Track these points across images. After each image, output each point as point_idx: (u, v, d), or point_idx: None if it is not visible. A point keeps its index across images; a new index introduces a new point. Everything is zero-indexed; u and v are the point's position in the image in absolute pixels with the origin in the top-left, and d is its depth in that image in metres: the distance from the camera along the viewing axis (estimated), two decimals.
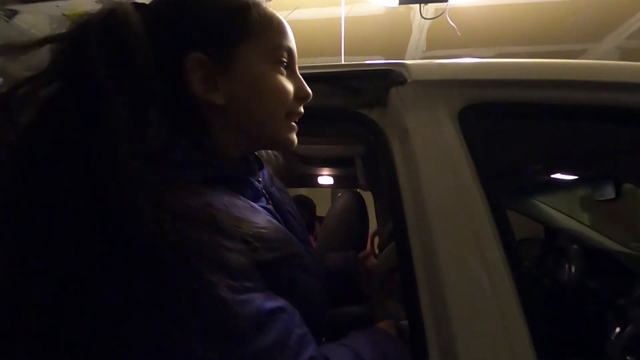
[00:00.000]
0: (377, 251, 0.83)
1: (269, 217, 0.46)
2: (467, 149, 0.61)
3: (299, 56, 0.54)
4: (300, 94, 0.50)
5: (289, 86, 0.49)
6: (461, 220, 0.55)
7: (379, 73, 0.68)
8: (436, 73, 0.66)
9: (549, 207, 2.04)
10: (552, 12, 2.26)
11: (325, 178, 2.03)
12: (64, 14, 1.45)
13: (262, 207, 0.48)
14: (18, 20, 1.76)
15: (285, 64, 0.49)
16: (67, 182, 0.32)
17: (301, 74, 0.70)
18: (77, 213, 0.31)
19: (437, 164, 0.60)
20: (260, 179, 0.53)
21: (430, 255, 0.54)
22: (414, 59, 2.71)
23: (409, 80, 0.65)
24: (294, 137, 0.51)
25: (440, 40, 2.50)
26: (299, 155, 1.57)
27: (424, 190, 0.58)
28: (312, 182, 1.98)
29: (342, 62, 0.74)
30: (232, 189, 0.44)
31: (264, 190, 0.52)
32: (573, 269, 1.61)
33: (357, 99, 0.70)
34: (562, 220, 2.01)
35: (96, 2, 1.64)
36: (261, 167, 0.56)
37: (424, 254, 0.55)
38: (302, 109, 0.52)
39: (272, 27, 0.47)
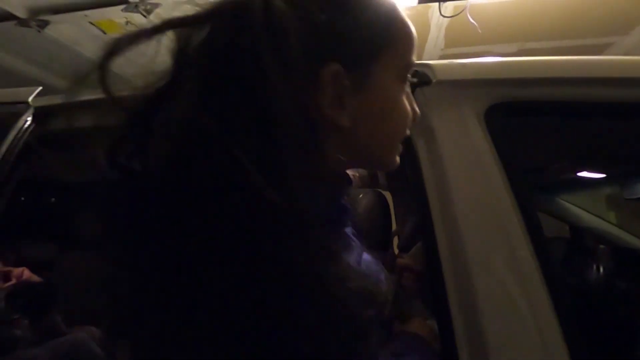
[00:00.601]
0: (396, 251, 0.83)
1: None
2: (494, 148, 0.61)
3: None
4: (414, 115, 0.43)
5: (409, 108, 0.42)
6: (490, 221, 0.55)
7: None
8: (461, 73, 0.66)
9: (574, 206, 1.99)
10: (576, 4, 2.19)
11: None
12: (90, 22, 1.51)
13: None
14: (49, 30, 1.84)
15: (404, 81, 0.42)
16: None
17: None
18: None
19: (465, 163, 0.60)
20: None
21: (458, 257, 0.55)
22: (432, 57, 2.69)
23: (433, 80, 0.66)
24: (398, 158, 0.45)
25: (459, 37, 2.47)
26: None
27: (452, 190, 0.58)
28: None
29: None
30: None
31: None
32: (601, 269, 1.57)
33: None
34: (589, 219, 1.95)
35: (122, 10, 1.70)
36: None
37: (451, 256, 0.55)
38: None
39: (408, 41, 0.40)
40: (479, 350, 0.49)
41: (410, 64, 0.41)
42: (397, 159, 0.44)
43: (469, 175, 0.59)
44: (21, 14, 1.75)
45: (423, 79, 0.67)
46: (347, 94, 0.36)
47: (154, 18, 1.88)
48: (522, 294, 0.50)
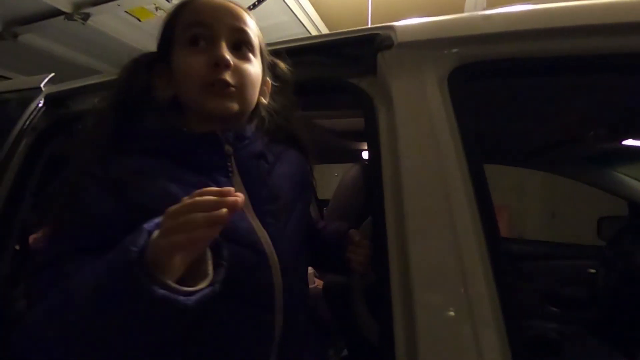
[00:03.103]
0: None
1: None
2: (454, 116, 0.55)
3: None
4: (211, 61, 0.52)
5: (198, 59, 0.52)
6: (435, 193, 0.51)
7: (367, 38, 0.65)
8: (423, 32, 0.61)
9: (635, 180, 1.74)
10: None
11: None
12: (125, 12, 1.61)
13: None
14: (92, 21, 2.00)
15: (197, 40, 0.53)
16: None
17: (291, 47, 0.71)
18: None
19: (417, 132, 0.56)
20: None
21: (400, 227, 0.52)
22: None
23: (395, 43, 0.61)
24: (219, 104, 0.52)
25: None
26: (334, 131, 1.57)
27: (402, 160, 0.55)
28: (354, 157, 1.96)
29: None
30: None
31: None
32: None
33: (348, 67, 0.68)
34: None
35: None
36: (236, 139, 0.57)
37: (395, 226, 0.53)
38: (223, 76, 0.52)
39: (182, 14, 0.55)
40: (412, 322, 0.48)
41: (187, 26, 0.54)
42: (214, 102, 0.52)
43: (419, 144, 0.55)
44: (67, 8, 1.93)
45: (384, 43, 0.62)
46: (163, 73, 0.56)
47: (177, 2, 1.94)
48: (456, 265, 0.47)
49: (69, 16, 1.95)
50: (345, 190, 0.86)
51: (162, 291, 0.34)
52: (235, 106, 0.53)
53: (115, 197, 0.47)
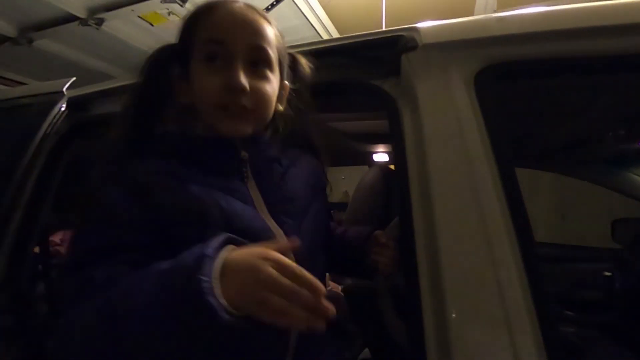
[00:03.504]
0: None
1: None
2: (482, 117, 0.55)
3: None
4: (225, 85, 0.51)
5: (214, 80, 0.51)
6: (466, 197, 0.51)
7: (390, 40, 0.65)
8: (449, 34, 0.60)
9: None
10: None
11: (381, 155, 1.98)
12: (139, 17, 1.63)
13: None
14: (105, 27, 2.03)
15: (214, 57, 0.52)
16: None
17: (313, 49, 0.71)
18: None
19: (445, 135, 0.56)
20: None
21: (430, 229, 0.52)
22: None
23: (419, 45, 0.61)
24: (232, 127, 0.53)
25: None
26: (346, 133, 1.56)
27: (430, 162, 0.55)
28: (366, 159, 1.96)
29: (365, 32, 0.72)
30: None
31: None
32: None
33: (371, 70, 0.68)
34: None
35: (161, 2, 1.80)
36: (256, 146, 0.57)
37: (424, 228, 0.53)
38: (241, 100, 0.51)
39: (201, 24, 0.54)
40: (443, 325, 0.47)
41: (204, 41, 0.53)
42: (227, 126, 0.53)
43: (448, 145, 0.55)
44: (82, 14, 1.96)
45: (408, 44, 0.62)
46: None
47: (190, 5, 1.96)
48: (489, 267, 0.46)
49: (83, 21, 1.99)
50: (363, 193, 0.86)
51: (228, 318, 0.34)
52: (248, 129, 0.54)
53: (138, 199, 0.48)
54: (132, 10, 1.89)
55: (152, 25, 2.12)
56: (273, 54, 0.56)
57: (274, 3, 1.65)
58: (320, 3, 2.14)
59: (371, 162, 2.00)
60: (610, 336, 1.40)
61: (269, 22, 0.57)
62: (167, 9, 1.91)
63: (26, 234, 0.89)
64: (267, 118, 0.58)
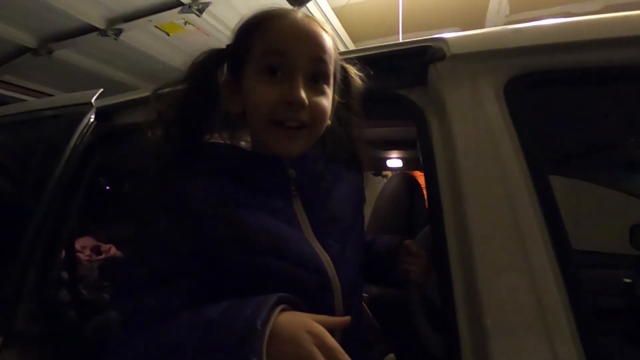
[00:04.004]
0: None
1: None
2: (513, 126, 0.55)
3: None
4: (285, 99, 0.50)
5: (272, 92, 0.50)
6: (501, 206, 0.51)
7: (417, 50, 0.66)
8: (478, 44, 0.61)
9: None
10: None
11: (394, 161, 1.98)
12: (155, 27, 1.66)
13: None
14: (124, 37, 2.07)
15: (274, 69, 0.50)
16: None
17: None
18: None
19: (476, 143, 0.56)
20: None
21: (463, 238, 0.52)
22: (495, 25, 2.44)
23: (448, 55, 0.62)
24: (283, 145, 0.52)
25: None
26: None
27: (462, 172, 0.55)
28: (380, 165, 1.96)
29: (394, 42, 0.73)
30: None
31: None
32: None
33: (397, 79, 0.69)
34: None
35: (179, 12, 1.84)
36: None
37: (457, 237, 0.53)
38: (299, 116, 0.50)
39: (264, 42, 0.51)
40: (481, 335, 0.47)
41: (264, 52, 0.51)
42: (279, 143, 0.52)
43: (480, 156, 0.55)
44: (101, 25, 2.01)
45: (436, 55, 0.63)
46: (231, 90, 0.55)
47: (207, 16, 1.98)
48: (529, 278, 0.46)
49: (102, 32, 2.03)
50: (386, 202, 0.86)
51: None
52: (299, 149, 0.53)
53: (190, 226, 0.48)
54: (150, 21, 1.93)
55: (168, 34, 2.16)
56: (332, 67, 0.54)
57: None
58: (333, 10, 2.16)
59: (384, 168, 2.01)
60: (634, 345, 1.37)
61: (327, 33, 0.55)
62: (184, 19, 1.94)
63: (55, 242, 0.91)
64: (319, 135, 0.56)
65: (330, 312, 0.50)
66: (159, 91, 0.58)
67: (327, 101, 0.54)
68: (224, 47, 0.57)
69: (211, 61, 0.56)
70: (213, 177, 0.52)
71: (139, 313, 0.44)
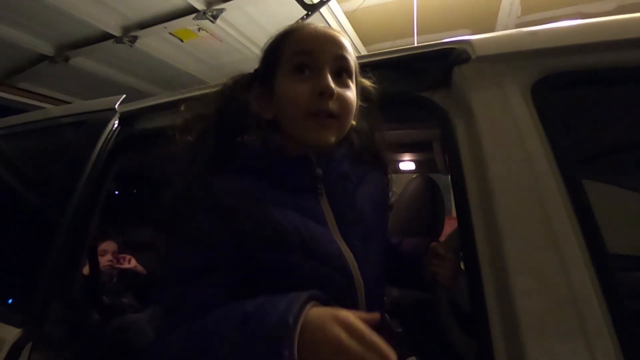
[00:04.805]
0: None
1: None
2: (542, 127, 0.55)
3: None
4: (316, 90, 0.53)
5: (303, 88, 0.54)
6: (532, 209, 0.51)
7: (441, 53, 0.66)
8: (503, 45, 0.61)
9: None
10: None
11: (407, 164, 1.98)
12: (170, 33, 1.69)
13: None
14: (139, 44, 2.11)
15: (302, 68, 0.55)
16: None
17: (360, 63, 0.73)
18: None
19: (505, 144, 0.56)
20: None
21: (494, 239, 0.52)
22: (506, 27, 2.43)
23: (473, 57, 0.62)
24: (319, 135, 0.54)
25: (539, 0, 2.19)
26: None
27: (490, 174, 0.55)
28: (392, 167, 1.94)
29: (414, 45, 0.73)
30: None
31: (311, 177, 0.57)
32: None
33: (420, 81, 0.69)
34: None
35: (193, 19, 1.87)
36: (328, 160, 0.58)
37: (486, 239, 0.53)
38: (327, 105, 0.53)
39: (288, 42, 0.57)
40: (514, 338, 0.47)
41: (292, 54, 0.56)
42: (314, 134, 0.54)
43: (509, 158, 0.55)
44: (116, 32, 2.05)
45: (461, 57, 0.63)
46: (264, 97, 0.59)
47: (220, 22, 2.00)
48: (563, 279, 0.46)
49: (118, 39, 2.07)
50: (408, 203, 0.86)
51: None
52: (333, 138, 0.56)
53: (224, 222, 0.51)
54: (165, 28, 1.97)
55: (182, 41, 2.19)
56: (353, 65, 0.59)
57: (305, 17, 1.70)
58: (344, 14, 2.18)
59: (397, 171, 2.00)
60: None
61: (348, 40, 0.60)
62: (198, 26, 1.97)
63: (80, 244, 0.93)
64: (347, 128, 0.59)
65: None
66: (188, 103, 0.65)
67: (351, 93, 0.58)
68: (251, 71, 0.63)
69: (243, 80, 0.62)
70: (245, 176, 0.55)
71: (178, 307, 0.47)
